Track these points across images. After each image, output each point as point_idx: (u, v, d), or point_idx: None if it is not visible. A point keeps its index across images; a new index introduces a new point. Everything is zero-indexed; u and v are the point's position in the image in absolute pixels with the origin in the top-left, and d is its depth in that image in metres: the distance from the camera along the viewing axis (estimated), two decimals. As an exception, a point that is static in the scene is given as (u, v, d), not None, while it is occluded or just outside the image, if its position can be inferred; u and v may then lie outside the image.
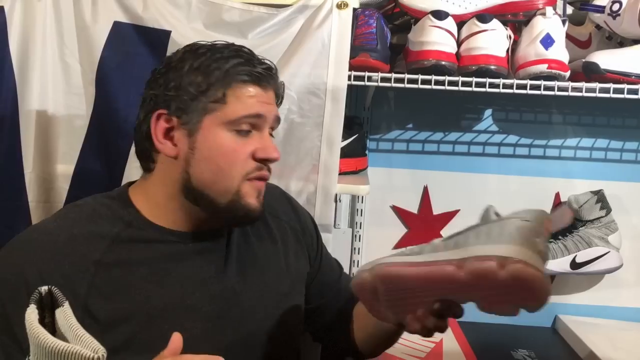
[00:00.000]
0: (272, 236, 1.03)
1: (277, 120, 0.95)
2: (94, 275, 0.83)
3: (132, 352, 0.83)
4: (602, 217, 1.46)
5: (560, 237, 1.47)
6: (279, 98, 0.97)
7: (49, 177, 1.24)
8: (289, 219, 1.07)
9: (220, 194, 0.88)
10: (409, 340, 1.26)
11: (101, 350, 0.55)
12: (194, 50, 0.92)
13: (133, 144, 1.22)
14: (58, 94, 1.24)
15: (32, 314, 0.59)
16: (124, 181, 1.23)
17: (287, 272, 1.02)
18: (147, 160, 0.93)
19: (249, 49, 0.94)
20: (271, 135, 0.94)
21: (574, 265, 1.45)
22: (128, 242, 0.88)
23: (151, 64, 1.23)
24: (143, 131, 0.91)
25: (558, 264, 1.45)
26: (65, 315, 0.61)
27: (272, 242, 1.02)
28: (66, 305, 0.62)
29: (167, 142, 0.89)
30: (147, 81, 0.95)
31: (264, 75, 0.91)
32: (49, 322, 0.62)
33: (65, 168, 1.25)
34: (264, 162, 0.91)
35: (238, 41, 0.97)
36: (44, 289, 0.62)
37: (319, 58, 1.24)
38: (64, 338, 0.59)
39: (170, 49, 1.22)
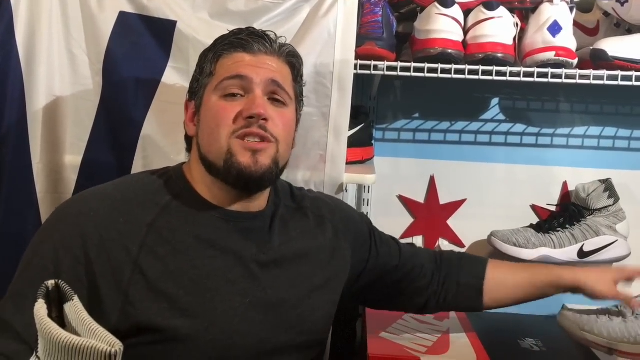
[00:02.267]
0: (312, 232, 1.06)
1: (274, 83, 0.95)
2: (146, 235, 0.89)
3: (175, 314, 0.86)
4: (609, 205, 1.46)
5: (567, 225, 1.46)
6: (294, 69, 1.01)
7: (56, 167, 1.25)
8: (332, 218, 1.10)
9: (217, 155, 0.93)
10: (415, 329, 1.26)
11: (117, 345, 0.55)
12: None
13: (141, 135, 1.24)
14: (65, 84, 1.24)
15: (41, 309, 0.58)
16: (133, 172, 1.23)
17: (322, 268, 1.04)
18: (187, 143, 1.03)
19: (255, 29, 1.00)
20: (276, 100, 0.96)
21: (582, 254, 1.44)
22: (177, 212, 0.93)
23: (157, 54, 1.24)
24: None
25: (565, 253, 1.44)
26: (76, 309, 0.61)
27: (312, 237, 1.05)
28: (76, 299, 0.62)
29: (191, 124, 1.00)
30: None
31: (248, 40, 0.95)
32: (56, 316, 0.61)
33: (73, 159, 1.25)
34: (251, 119, 0.92)
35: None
36: (50, 283, 0.62)
37: (325, 47, 1.23)
38: (74, 332, 0.58)
39: (176, 39, 1.23)
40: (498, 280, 1.16)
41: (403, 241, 1.58)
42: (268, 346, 0.94)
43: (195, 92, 0.99)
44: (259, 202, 1.00)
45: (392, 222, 1.62)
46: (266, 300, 0.95)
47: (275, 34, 1.00)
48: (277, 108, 0.96)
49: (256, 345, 0.92)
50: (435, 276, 1.17)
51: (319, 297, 1.02)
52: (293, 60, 1.01)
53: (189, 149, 1.02)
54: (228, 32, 1.00)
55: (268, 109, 0.93)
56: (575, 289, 1.15)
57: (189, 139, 1.02)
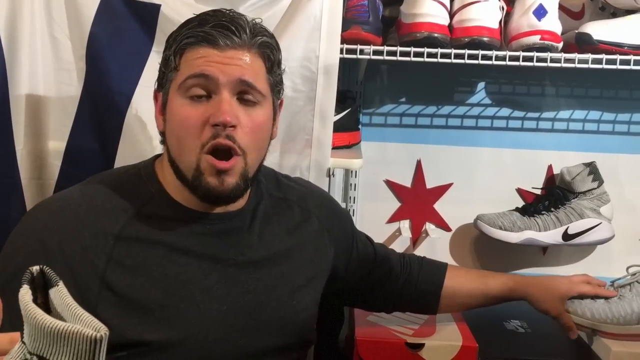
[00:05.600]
0: (296, 227, 1.02)
1: (243, 83, 0.86)
2: (113, 248, 0.84)
3: (147, 328, 0.83)
4: (594, 188, 1.47)
5: (552, 208, 1.47)
6: (268, 60, 0.90)
7: (40, 153, 1.24)
8: (319, 213, 1.06)
9: (186, 167, 0.86)
10: (402, 313, 1.27)
11: (103, 329, 0.54)
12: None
13: (125, 120, 1.23)
14: (48, 69, 1.22)
15: (26, 294, 0.58)
16: (118, 158, 1.22)
17: (304, 267, 1.00)
18: (161, 135, 0.94)
19: (227, 11, 0.89)
20: (247, 100, 0.87)
21: (566, 236, 1.46)
22: (147, 219, 0.88)
23: (141, 38, 1.22)
24: None
25: (550, 236, 1.46)
26: (61, 294, 0.60)
27: (295, 233, 1.01)
28: (61, 284, 0.61)
29: (160, 118, 0.92)
30: None
31: (214, 34, 0.84)
32: (41, 302, 0.61)
33: (56, 145, 1.24)
34: (218, 127, 0.84)
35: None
36: (35, 268, 0.61)
37: (310, 32, 1.23)
38: (60, 318, 0.58)
39: (160, 24, 1.21)
40: (455, 288, 1.17)
41: (390, 226, 1.63)
42: (249, 351, 0.91)
43: (162, 84, 0.91)
44: (238, 202, 0.93)
45: (379, 206, 1.62)
46: (245, 304, 0.91)
47: (247, 20, 0.89)
48: (248, 108, 0.87)
49: (236, 351, 0.90)
50: (400, 280, 1.15)
51: (301, 297, 0.98)
52: (267, 52, 0.89)
53: (163, 141, 0.93)
54: (194, 15, 0.90)
55: (236, 112, 0.85)
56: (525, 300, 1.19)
57: (162, 132, 0.94)
